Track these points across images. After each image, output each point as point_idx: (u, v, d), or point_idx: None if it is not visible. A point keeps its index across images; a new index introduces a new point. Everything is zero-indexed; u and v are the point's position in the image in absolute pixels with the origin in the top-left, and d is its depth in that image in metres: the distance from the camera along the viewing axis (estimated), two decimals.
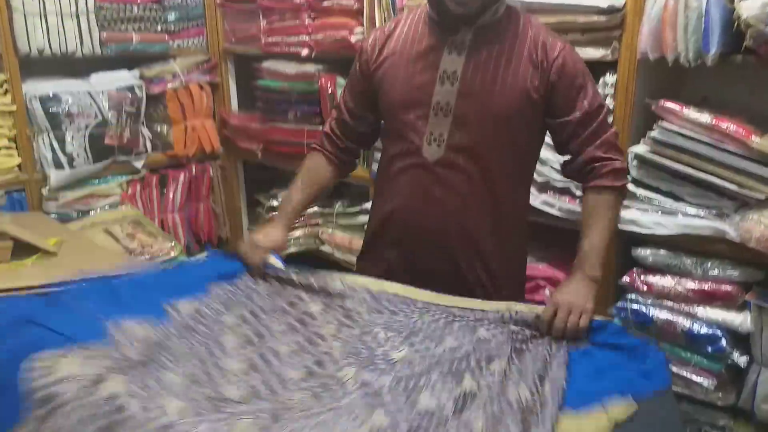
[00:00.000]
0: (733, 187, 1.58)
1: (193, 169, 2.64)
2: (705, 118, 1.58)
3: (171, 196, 2.59)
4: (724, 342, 1.65)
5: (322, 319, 1.28)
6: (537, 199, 1.88)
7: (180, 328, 1.19)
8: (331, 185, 1.62)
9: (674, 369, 1.71)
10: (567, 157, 1.42)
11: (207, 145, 2.64)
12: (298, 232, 2.60)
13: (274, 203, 2.59)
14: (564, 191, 1.83)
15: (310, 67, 2.36)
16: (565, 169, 1.45)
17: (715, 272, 1.66)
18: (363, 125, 1.54)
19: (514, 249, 1.49)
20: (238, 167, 2.83)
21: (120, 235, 2.26)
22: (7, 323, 1.09)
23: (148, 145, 2.48)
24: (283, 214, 1.55)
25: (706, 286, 1.67)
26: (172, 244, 2.28)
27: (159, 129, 2.53)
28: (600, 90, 1.76)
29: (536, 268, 2.00)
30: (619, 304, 1.81)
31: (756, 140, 1.51)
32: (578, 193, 1.80)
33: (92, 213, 2.37)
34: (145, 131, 2.47)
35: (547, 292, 1.96)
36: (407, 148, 1.40)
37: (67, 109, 2.17)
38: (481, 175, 1.37)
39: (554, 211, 1.85)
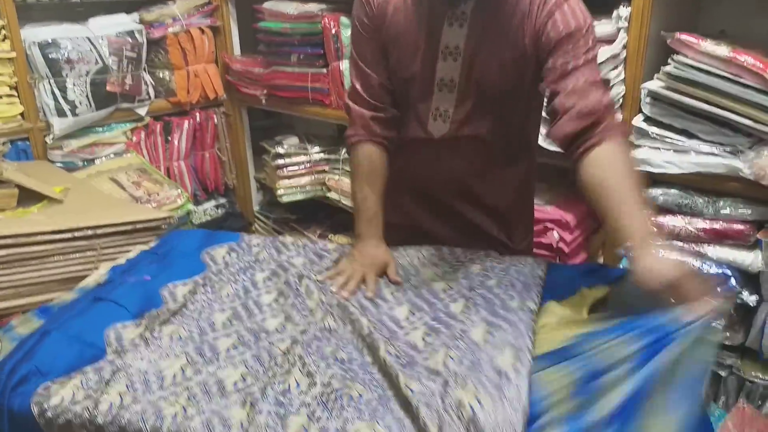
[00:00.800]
0: (748, 122, 1.53)
1: (198, 117, 2.61)
2: (722, 50, 1.51)
3: (176, 143, 2.57)
4: (734, 281, 1.63)
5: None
6: (542, 138, 1.84)
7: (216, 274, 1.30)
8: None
9: None
10: (553, 121, 1.21)
11: (210, 92, 2.60)
12: (304, 180, 2.58)
13: (280, 150, 2.56)
14: None
15: (312, 7, 2.29)
16: (553, 135, 1.20)
17: (727, 211, 1.63)
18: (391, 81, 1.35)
19: (524, 199, 1.49)
20: (243, 114, 2.79)
21: (126, 183, 2.26)
22: (84, 301, 1.22)
23: (151, 91, 2.45)
24: (371, 229, 1.34)
25: (717, 226, 1.65)
26: (179, 192, 2.28)
27: (161, 75, 2.48)
28: (613, 24, 1.70)
29: (544, 210, 1.98)
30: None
31: None
32: None
33: (97, 161, 2.36)
34: (147, 78, 2.43)
35: (555, 234, 1.94)
36: (412, 121, 1.35)
37: (66, 55, 2.13)
38: (487, 144, 1.34)
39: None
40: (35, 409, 0.95)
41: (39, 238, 1.43)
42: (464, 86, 1.28)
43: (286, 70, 2.41)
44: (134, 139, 2.44)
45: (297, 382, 0.97)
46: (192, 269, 1.30)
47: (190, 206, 2.30)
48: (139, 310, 1.16)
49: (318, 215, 2.79)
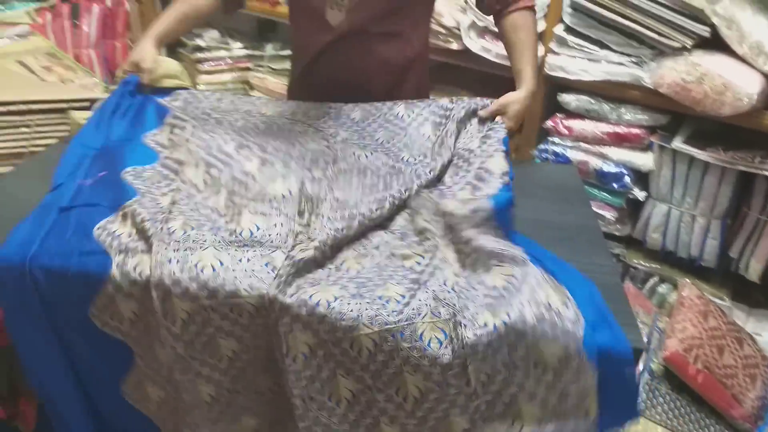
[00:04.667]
0: (653, 35, 1.71)
1: (108, 1, 2.44)
2: None
3: (85, 29, 2.40)
4: (628, 179, 1.87)
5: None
6: (475, 44, 1.94)
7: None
8: (209, 14, 1.54)
9: None
10: None
11: None
12: (225, 76, 2.53)
13: (200, 43, 2.48)
14: None
15: None
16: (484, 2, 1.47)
17: (628, 117, 1.84)
18: None
19: (425, 80, 1.60)
20: (156, 1, 2.64)
21: (35, 67, 2.10)
22: (51, 216, 1.09)
23: None
24: (150, 31, 1.45)
25: (618, 129, 1.86)
26: (95, 81, 2.16)
27: None
28: None
29: None
30: (542, 146, 1.98)
31: None
32: None
33: None
34: None
35: None
36: (311, 10, 1.40)
37: None
38: (384, 33, 1.41)
39: (490, 57, 1.93)
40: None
41: None
42: None
43: None
44: (39, 20, 2.26)
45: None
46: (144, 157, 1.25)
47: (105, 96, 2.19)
48: (115, 204, 1.10)
49: None
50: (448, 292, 0.92)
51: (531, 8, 1.44)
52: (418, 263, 0.98)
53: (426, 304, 0.89)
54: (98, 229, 1.04)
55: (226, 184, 1.13)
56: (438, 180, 1.19)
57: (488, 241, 0.98)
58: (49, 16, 2.28)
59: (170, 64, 1.48)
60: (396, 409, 0.91)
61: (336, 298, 0.90)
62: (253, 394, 1.03)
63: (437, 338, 0.87)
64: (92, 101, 1.55)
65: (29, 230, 1.05)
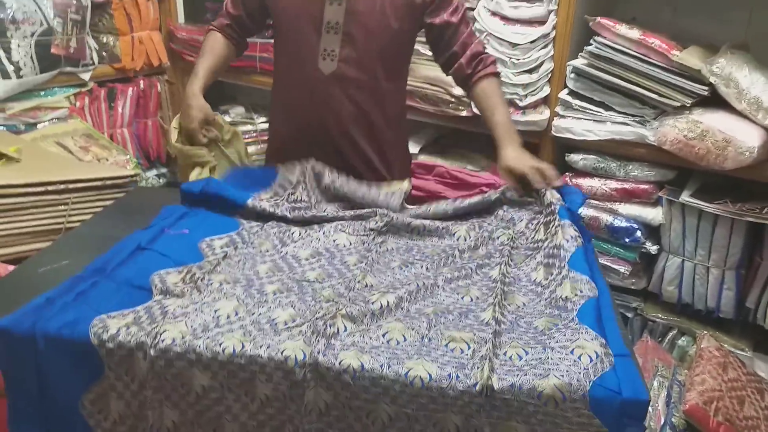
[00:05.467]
0: (654, 96, 1.80)
1: (141, 84, 2.62)
2: (634, 33, 1.77)
3: (120, 110, 2.57)
4: (639, 233, 1.91)
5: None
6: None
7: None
8: (231, 61, 1.79)
9: None
10: (451, 58, 1.62)
11: (154, 59, 2.61)
12: (251, 149, 2.66)
13: (227, 119, 2.63)
14: (509, 103, 1.99)
15: None
16: (454, 69, 1.63)
17: (636, 173, 1.90)
18: (251, 21, 1.72)
19: (402, 137, 1.78)
20: (186, 82, 2.81)
21: (73, 147, 2.26)
22: (127, 251, 1.21)
23: (95, 56, 2.44)
24: (195, 80, 1.65)
25: (627, 186, 1.92)
26: (127, 158, 2.31)
27: (105, 40, 2.48)
28: (545, 7, 1.92)
29: (478, 176, 2.19)
30: None
31: (676, 54, 1.72)
32: (520, 103, 1.98)
33: (39, 126, 2.32)
34: (92, 42, 2.42)
35: None
36: (302, 61, 1.58)
37: (11, 14, 2.10)
38: (369, 82, 1.58)
39: None
40: (95, 339, 0.99)
41: (11, 191, 1.45)
42: (348, 29, 1.52)
43: None
44: (77, 104, 2.43)
45: (344, 326, 1.01)
46: (226, 226, 1.34)
47: (139, 172, 2.33)
48: (182, 260, 1.19)
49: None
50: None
51: (496, 74, 1.61)
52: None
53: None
54: (156, 275, 1.13)
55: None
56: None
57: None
58: (87, 100, 2.45)
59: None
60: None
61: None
62: None
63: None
64: (126, 177, 1.66)
65: (53, 295, 1.07)
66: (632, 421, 0.90)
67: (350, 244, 1.32)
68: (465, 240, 1.33)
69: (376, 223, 1.35)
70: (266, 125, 2.64)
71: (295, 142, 1.66)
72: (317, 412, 0.96)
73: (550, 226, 1.26)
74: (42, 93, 2.34)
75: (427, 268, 1.23)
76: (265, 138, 2.65)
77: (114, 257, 1.18)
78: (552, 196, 1.33)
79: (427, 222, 1.37)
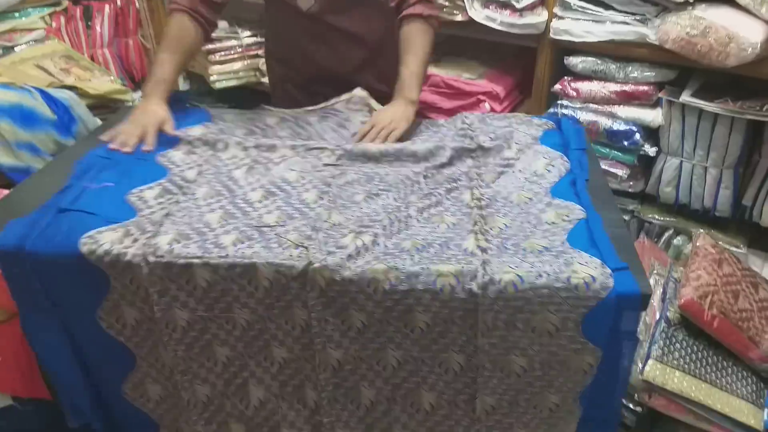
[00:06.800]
0: None
1: (118, 1, 2.50)
2: None
3: (98, 29, 2.47)
4: (638, 136, 1.90)
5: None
6: (480, 14, 1.97)
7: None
8: (200, 49, 1.61)
9: None
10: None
11: None
12: (236, 65, 2.58)
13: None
14: (506, 5, 1.92)
15: None
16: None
17: (636, 74, 1.86)
18: None
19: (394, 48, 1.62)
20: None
21: (54, 70, 2.18)
22: (49, 216, 1.12)
23: None
24: (158, 90, 1.43)
25: (626, 88, 1.88)
26: (111, 78, 2.23)
27: None
28: None
29: (475, 84, 2.14)
30: (551, 110, 2.01)
31: None
32: (517, 5, 1.90)
33: (17, 49, 2.24)
34: None
35: (486, 105, 2.12)
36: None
37: None
38: (351, 18, 1.52)
39: (495, 25, 1.95)
40: (84, 249, 1.02)
41: None
42: None
43: None
44: (54, 24, 2.33)
45: (323, 279, 1.02)
46: (152, 173, 1.26)
47: (125, 91, 2.26)
48: (113, 217, 1.11)
49: (251, 104, 2.80)
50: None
51: (421, 15, 1.48)
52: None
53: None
54: (85, 237, 1.05)
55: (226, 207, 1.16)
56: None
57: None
58: (63, 20, 2.35)
59: None
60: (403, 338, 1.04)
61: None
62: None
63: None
64: (113, 98, 1.62)
65: (27, 224, 1.08)
66: (628, 312, 0.98)
67: (303, 178, 1.24)
68: (427, 159, 1.32)
69: (329, 156, 1.32)
70: (251, 39, 2.56)
71: (294, 82, 1.66)
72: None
73: (521, 144, 1.31)
74: (16, 14, 2.23)
75: (394, 199, 1.20)
76: (251, 54, 2.58)
77: (32, 231, 1.07)
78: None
79: (382, 147, 1.34)
